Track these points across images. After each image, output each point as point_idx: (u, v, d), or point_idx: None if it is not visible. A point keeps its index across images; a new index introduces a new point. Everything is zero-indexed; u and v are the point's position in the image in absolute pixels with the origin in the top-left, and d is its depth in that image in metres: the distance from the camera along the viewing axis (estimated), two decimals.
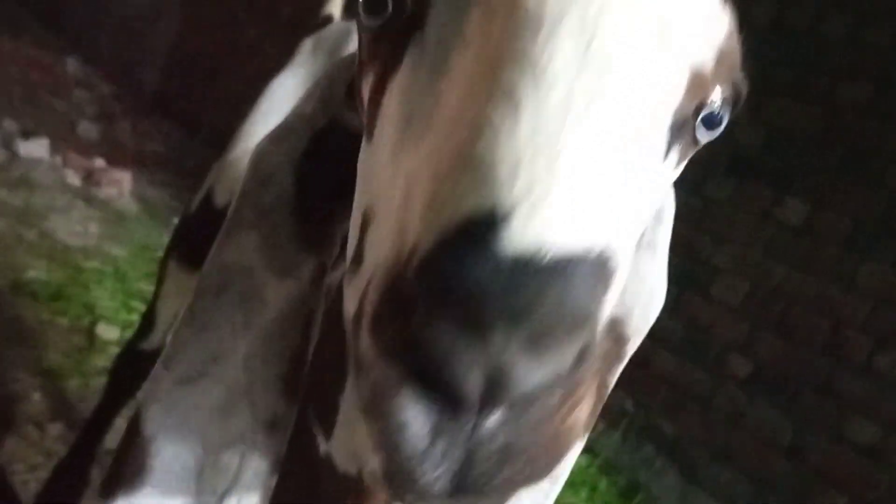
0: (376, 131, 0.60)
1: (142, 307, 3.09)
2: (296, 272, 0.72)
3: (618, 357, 0.78)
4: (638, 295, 0.76)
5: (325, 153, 0.74)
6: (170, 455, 0.78)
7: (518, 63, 0.48)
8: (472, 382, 0.43)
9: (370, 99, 0.63)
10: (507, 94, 0.47)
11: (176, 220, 4.40)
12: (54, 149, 4.61)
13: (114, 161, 4.89)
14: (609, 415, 3.35)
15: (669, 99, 0.57)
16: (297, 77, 1.65)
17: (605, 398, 0.79)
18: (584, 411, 0.55)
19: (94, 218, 3.99)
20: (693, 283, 3.32)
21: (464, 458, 0.45)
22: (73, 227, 3.77)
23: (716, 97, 0.63)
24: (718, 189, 3.33)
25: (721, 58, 0.61)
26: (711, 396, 3.24)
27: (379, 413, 0.45)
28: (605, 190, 0.47)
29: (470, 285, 0.41)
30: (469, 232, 0.43)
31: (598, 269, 0.45)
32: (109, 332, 2.84)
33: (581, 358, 0.46)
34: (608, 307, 0.49)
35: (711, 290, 3.30)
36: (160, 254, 3.71)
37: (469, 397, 0.43)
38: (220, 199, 1.60)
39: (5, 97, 5.46)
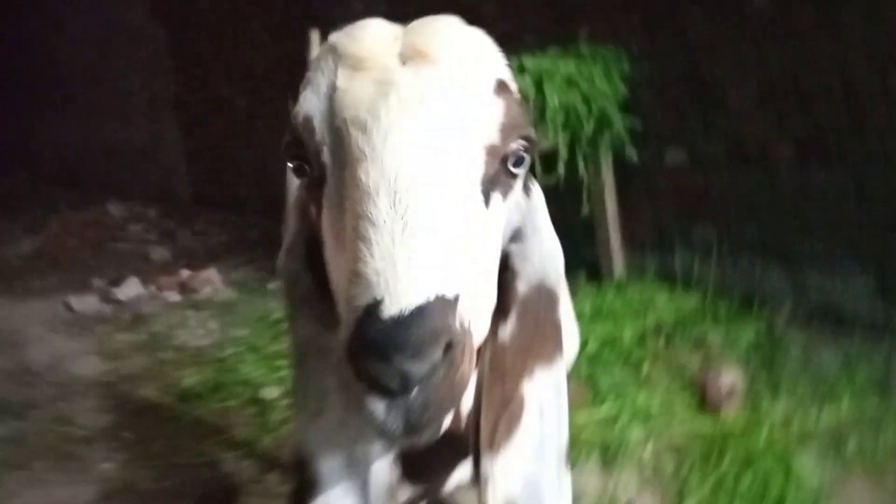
0: (324, 241, 1.02)
1: (281, 362, 3.54)
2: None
3: (554, 301, 1.19)
4: (546, 259, 1.16)
5: (317, 252, 1.10)
6: (326, 463, 1.16)
7: (364, 217, 0.88)
8: (394, 382, 0.82)
9: (315, 221, 1.05)
10: (363, 236, 0.87)
11: (270, 287, 4.86)
12: (143, 282, 5.12)
13: (195, 266, 5.38)
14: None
15: (472, 175, 0.96)
16: None
17: (560, 330, 1.21)
18: (466, 368, 0.91)
19: (207, 317, 4.45)
20: None
21: (405, 415, 0.85)
22: (197, 332, 4.24)
23: (513, 148, 1.00)
24: None
25: (505, 128, 0.98)
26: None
27: (359, 404, 0.87)
28: (432, 263, 0.86)
29: (376, 338, 0.81)
30: (368, 313, 0.83)
31: (440, 303, 0.84)
32: (272, 393, 3.26)
33: (448, 348, 0.84)
34: (464, 315, 0.89)
35: None
36: (273, 318, 4.18)
37: (396, 389, 0.83)
38: None
39: (81, 262, 6.04)
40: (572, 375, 2.89)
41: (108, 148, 8.86)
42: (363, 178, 0.89)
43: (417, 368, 0.82)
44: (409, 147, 0.90)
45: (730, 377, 2.82)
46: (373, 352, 0.81)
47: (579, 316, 3.39)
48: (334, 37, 1.02)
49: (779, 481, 2.31)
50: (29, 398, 3.48)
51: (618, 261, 3.82)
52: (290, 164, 1.03)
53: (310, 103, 0.98)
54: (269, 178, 6.69)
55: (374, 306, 0.82)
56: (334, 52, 0.99)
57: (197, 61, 7.29)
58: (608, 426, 2.68)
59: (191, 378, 3.53)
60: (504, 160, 0.99)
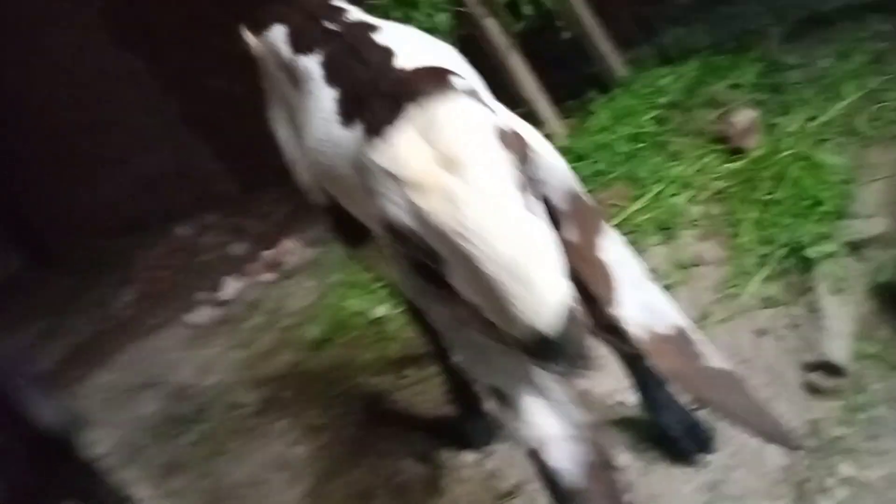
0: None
1: (373, 287, 3.95)
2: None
3: (577, 195, 1.60)
4: (558, 174, 1.58)
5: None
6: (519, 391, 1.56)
7: (500, 287, 1.26)
8: (565, 366, 1.33)
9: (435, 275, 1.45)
10: (505, 297, 1.25)
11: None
12: (237, 277, 5.63)
13: (271, 245, 5.86)
14: None
15: (529, 207, 1.35)
16: None
17: (592, 206, 1.67)
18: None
19: (303, 279, 4.92)
20: None
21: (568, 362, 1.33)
22: (299, 295, 4.72)
23: (527, 161, 1.44)
24: None
25: (513, 149, 1.38)
26: None
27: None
28: (557, 288, 1.29)
29: (549, 355, 1.31)
30: (536, 337, 1.29)
31: (570, 309, 1.28)
32: (381, 311, 3.70)
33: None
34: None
35: None
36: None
37: (567, 367, 1.33)
38: None
39: (178, 286, 6.61)
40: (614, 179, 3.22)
41: (142, 182, 9.34)
42: (484, 264, 1.25)
43: (576, 355, 1.30)
44: (495, 230, 1.25)
45: (744, 116, 3.09)
46: (550, 360, 1.32)
47: (602, 128, 3.70)
48: (382, 161, 1.34)
49: (810, 181, 2.61)
50: (198, 404, 4.03)
51: (616, 65, 4.03)
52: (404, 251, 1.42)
53: (398, 216, 1.34)
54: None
55: (540, 333, 1.25)
56: (389, 173, 1.33)
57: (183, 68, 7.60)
58: (656, 205, 3.01)
59: (312, 330, 4.01)
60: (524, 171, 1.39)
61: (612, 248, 1.62)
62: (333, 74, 1.74)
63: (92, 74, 8.77)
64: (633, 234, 2.89)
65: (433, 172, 1.26)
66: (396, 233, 1.36)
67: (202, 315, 5.35)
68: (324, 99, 1.73)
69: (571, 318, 1.28)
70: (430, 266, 1.38)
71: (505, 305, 1.25)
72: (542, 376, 1.49)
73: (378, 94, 1.49)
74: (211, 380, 4.24)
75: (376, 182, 1.34)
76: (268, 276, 5.42)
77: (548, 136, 3.77)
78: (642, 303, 1.60)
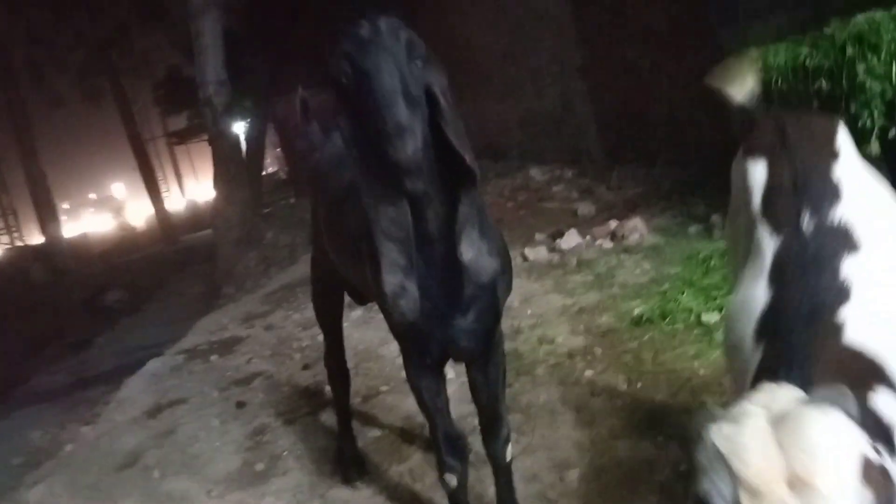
0: None
1: (717, 293, 4.06)
2: None
3: None
4: None
5: None
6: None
7: None
8: None
9: None
10: None
11: (691, 231, 5.39)
12: (579, 233, 6.00)
13: (619, 217, 6.13)
14: None
15: None
16: None
17: None
18: None
19: (640, 259, 5.15)
20: None
21: None
22: (634, 272, 4.96)
23: None
24: None
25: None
26: None
27: None
28: None
29: None
30: None
31: None
32: (713, 318, 3.81)
33: None
34: None
35: None
36: (701, 256, 4.70)
37: None
38: None
39: (521, 220, 7.17)
40: None
41: (525, 119, 10.07)
42: None
43: None
44: None
45: None
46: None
47: None
48: (721, 443, 1.11)
49: None
50: (513, 326, 4.47)
51: None
52: None
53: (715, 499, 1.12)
54: (678, 130, 7.19)
55: None
56: (726, 465, 1.09)
57: (599, 30, 8.02)
58: None
59: (639, 308, 4.23)
60: None
61: None
62: (777, 276, 1.57)
63: (516, 17, 9.60)
64: None
65: (776, 484, 1.08)
66: None
67: (539, 253, 5.82)
68: (757, 288, 1.59)
69: None
70: None
71: None
72: None
73: (785, 343, 1.40)
74: (536, 309, 4.66)
75: (703, 452, 1.15)
76: (607, 244, 5.72)
77: None
78: None
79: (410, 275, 2.03)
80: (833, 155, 1.72)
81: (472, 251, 2.10)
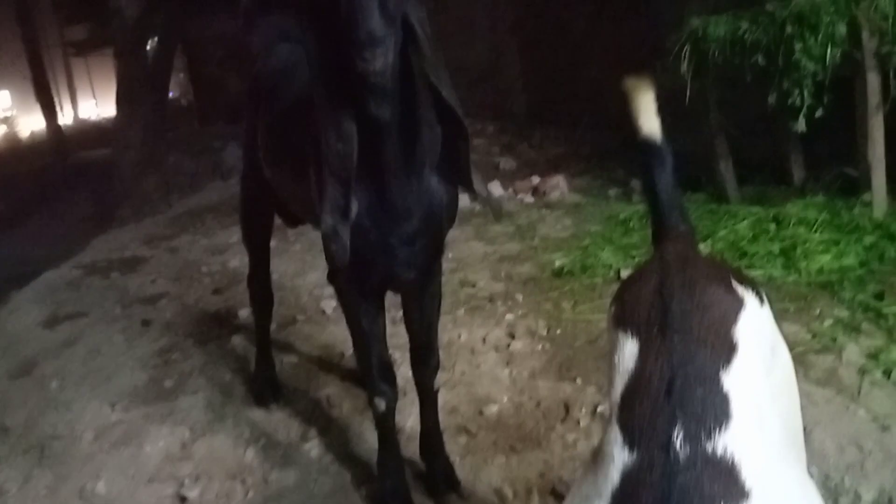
0: None
1: (635, 252, 4.18)
2: None
3: None
4: None
5: None
6: None
7: None
8: None
9: None
10: None
11: (611, 193, 5.52)
12: (502, 185, 6.04)
13: (542, 174, 6.20)
14: None
15: None
16: None
17: None
18: None
19: (561, 215, 5.24)
20: None
21: None
22: (555, 226, 5.04)
23: None
24: None
25: None
26: None
27: None
28: None
29: None
30: None
31: None
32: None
33: None
34: None
35: None
36: (621, 217, 4.82)
37: None
38: None
39: None
40: None
41: (452, 70, 9.98)
42: None
43: None
44: None
45: None
46: None
47: None
48: None
49: None
50: None
51: None
52: None
53: None
54: (603, 96, 7.29)
55: None
56: None
57: None
58: None
59: (560, 260, 4.31)
60: None
61: None
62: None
63: None
64: None
65: None
66: None
67: (463, 200, 5.80)
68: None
69: None
70: None
71: None
72: None
73: None
74: (455, 253, 4.66)
75: None
76: (528, 199, 5.78)
77: (866, 204, 3.84)
78: None
79: (345, 218, 1.98)
80: (728, 351, 1.21)
81: (426, 182, 2.08)
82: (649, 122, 1.66)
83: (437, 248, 2.36)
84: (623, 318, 1.34)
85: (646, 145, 1.67)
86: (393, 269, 2.24)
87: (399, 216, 2.12)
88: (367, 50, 1.72)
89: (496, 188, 5.93)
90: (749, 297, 1.32)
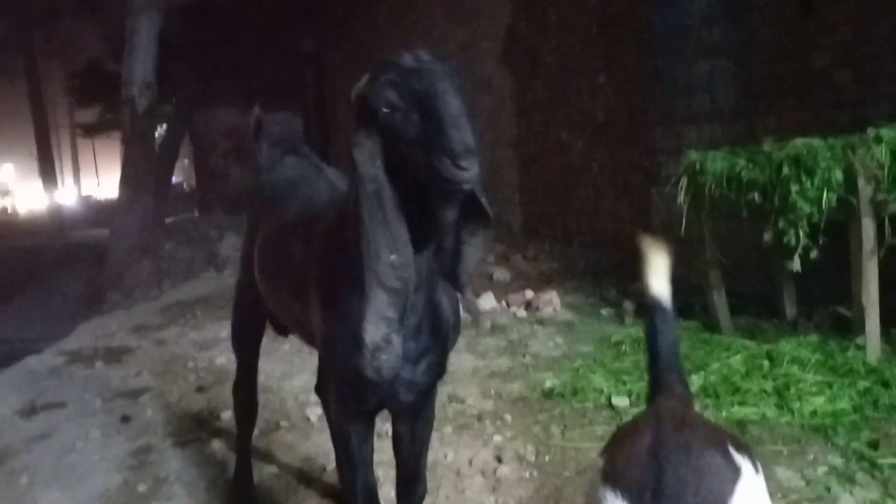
0: None
1: (627, 378, 4.14)
2: None
3: None
4: None
5: None
6: None
7: None
8: None
9: None
10: None
11: (603, 312, 5.52)
12: (497, 299, 6.05)
13: (535, 288, 6.22)
14: None
15: None
16: None
17: None
18: None
19: (553, 333, 5.22)
20: None
21: None
22: (547, 344, 5.01)
23: None
24: None
25: None
26: None
27: None
28: None
29: None
30: None
31: None
32: (622, 402, 3.87)
33: None
34: None
35: None
36: (613, 340, 4.81)
37: None
38: None
39: None
40: None
41: None
42: None
43: None
44: None
45: None
46: None
47: None
48: None
49: None
50: None
51: None
52: None
53: None
54: (598, 216, 7.41)
55: None
56: None
57: (539, 107, 8.25)
58: None
59: (551, 380, 4.27)
60: None
61: None
62: None
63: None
64: None
65: None
66: None
67: None
68: None
69: None
70: None
71: None
72: None
73: None
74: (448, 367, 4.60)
75: None
76: (521, 312, 5.78)
77: (860, 347, 3.83)
78: None
79: (398, 329, 1.92)
80: None
81: (442, 301, 2.06)
82: (660, 284, 1.70)
83: (441, 367, 2.30)
84: (612, 476, 1.29)
85: (653, 304, 1.70)
86: (394, 390, 2.19)
87: (409, 332, 2.06)
88: (464, 159, 1.74)
89: (490, 300, 5.94)
90: (746, 467, 1.30)
